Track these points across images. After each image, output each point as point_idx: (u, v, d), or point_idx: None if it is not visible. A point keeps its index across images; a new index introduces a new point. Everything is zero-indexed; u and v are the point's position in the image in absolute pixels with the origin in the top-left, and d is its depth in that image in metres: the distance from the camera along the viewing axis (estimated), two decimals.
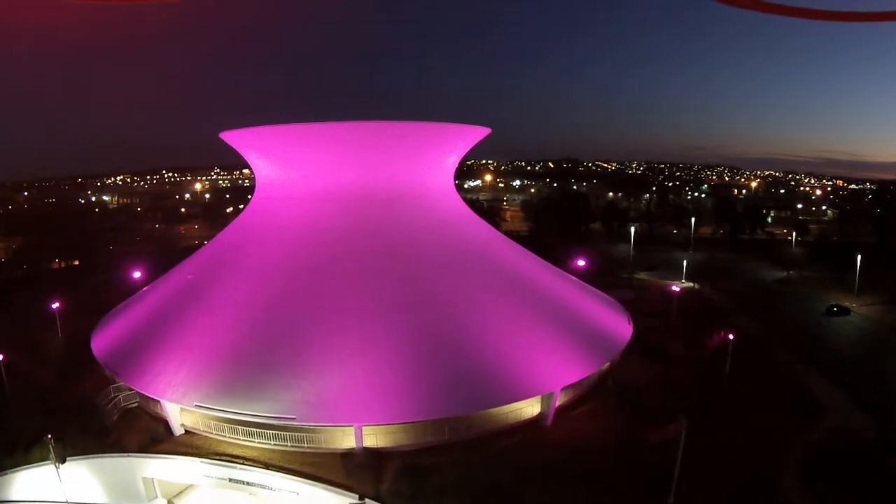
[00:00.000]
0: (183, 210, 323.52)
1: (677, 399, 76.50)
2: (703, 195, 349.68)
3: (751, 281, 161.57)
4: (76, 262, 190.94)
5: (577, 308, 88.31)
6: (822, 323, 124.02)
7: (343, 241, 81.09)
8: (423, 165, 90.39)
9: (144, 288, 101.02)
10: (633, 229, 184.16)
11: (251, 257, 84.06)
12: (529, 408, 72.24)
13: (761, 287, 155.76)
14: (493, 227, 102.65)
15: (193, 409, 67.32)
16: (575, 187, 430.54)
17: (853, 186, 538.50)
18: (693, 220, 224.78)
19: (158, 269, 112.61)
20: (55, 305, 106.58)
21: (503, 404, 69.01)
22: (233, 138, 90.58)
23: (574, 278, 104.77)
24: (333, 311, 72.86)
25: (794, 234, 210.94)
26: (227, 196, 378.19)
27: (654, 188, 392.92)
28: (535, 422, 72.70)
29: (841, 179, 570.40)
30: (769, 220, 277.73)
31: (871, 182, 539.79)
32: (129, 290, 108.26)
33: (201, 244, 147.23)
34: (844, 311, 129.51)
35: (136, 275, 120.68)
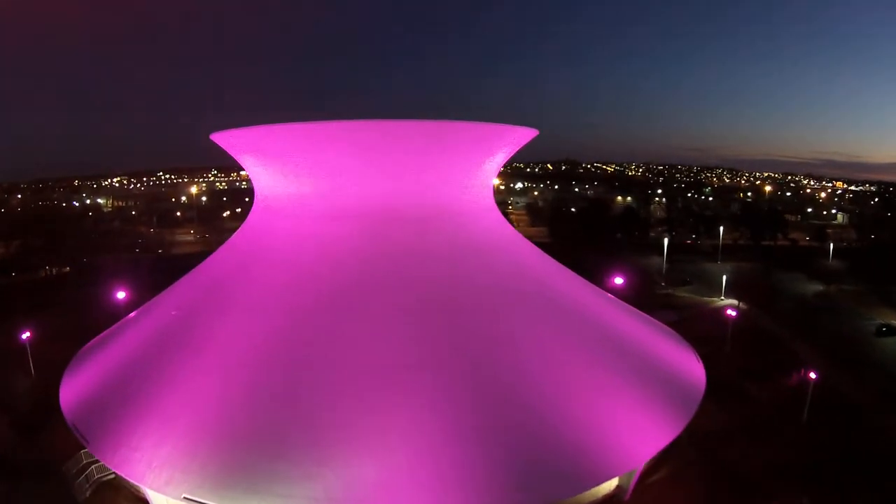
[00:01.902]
0: (179, 214, 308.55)
1: (761, 452, 68.00)
2: (709, 198, 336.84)
3: (792, 297, 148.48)
4: (67, 269, 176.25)
5: (647, 348, 72.02)
6: (878, 346, 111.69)
7: (368, 271, 63.33)
8: (462, 176, 72.83)
9: (130, 315, 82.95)
10: (666, 240, 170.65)
11: (250, 291, 66.23)
12: (606, 484, 56.34)
13: (804, 304, 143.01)
14: (540, 250, 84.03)
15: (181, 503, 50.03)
16: (577, 189, 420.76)
17: (854, 188, 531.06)
18: (721, 228, 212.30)
19: (149, 282, 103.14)
20: (25, 336, 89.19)
21: (583, 490, 52.59)
22: (225, 140, 72.90)
23: (627, 305, 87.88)
24: (362, 367, 55.11)
25: (830, 243, 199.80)
26: (224, 199, 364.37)
27: (659, 192, 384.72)
28: (610, 497, 57.93)
29: (841, 181, 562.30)
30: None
31: (872, 183, 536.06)
32: (116, 311, 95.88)
33: (196, 251, 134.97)
34: (894, 331, 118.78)
35: (121, 295, 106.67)
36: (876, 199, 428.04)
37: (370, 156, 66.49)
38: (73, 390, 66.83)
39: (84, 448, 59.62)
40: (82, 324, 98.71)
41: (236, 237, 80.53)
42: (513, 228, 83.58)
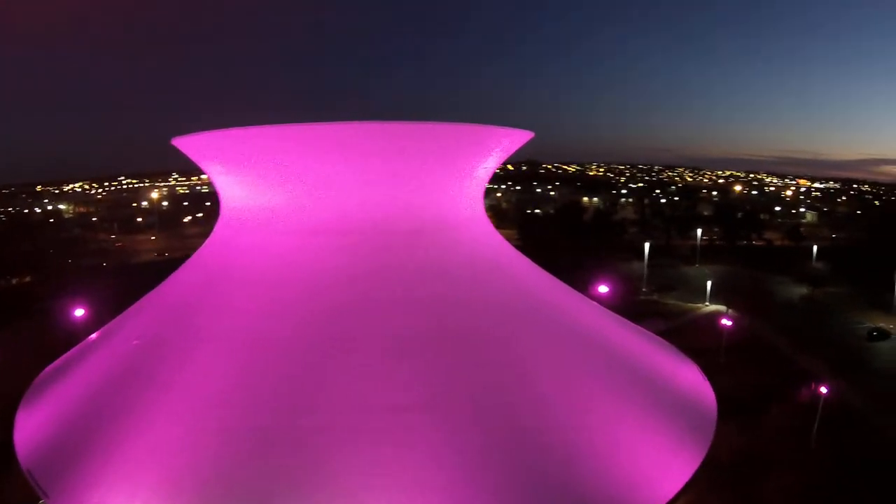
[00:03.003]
0: (140, 220, 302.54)
1: (781, 477, 65.68)
2: (675, 198, 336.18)
3: (779, 302, 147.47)
4: (27, 280, 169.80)
5: (654, 368, 68.41)
6: (873, 352, 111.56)
7: (354, 294, 57.08)
8: (454, 183, 67.26)
9: (91, 337, 76.37)
10: (647, 244, 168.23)
11: (221, 318, 59.07)
12: None
13: (792, 308, 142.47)
14: (533, 263, 78.74)
15: None
16: (539, 190, 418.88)
17: (818, 185, 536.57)
18: (699, 230, 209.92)
19: (112, 294, 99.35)
20: None
21: None
22: (189, 145, 66.97)
23: (622, 318, 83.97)
24: (350, 409, 48.93)
25: (813, 244, 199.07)
26: (185, 203, 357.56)
27: (624, 192, 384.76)
28: None
29: (804, 178, 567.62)
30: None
31: (836, 181, 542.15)
32: (76, 329, 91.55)
33: (158, 258, 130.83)
34: (884, 336, 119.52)
35: (79, 313, 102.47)
36: (843, 197, 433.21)
37: (352, 161, 60.53)
38: (28, 429, 60.29)
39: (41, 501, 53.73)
40: (42, 342, 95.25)
41: (203, 252, 73.65)
42: (504, 240, 78.57)
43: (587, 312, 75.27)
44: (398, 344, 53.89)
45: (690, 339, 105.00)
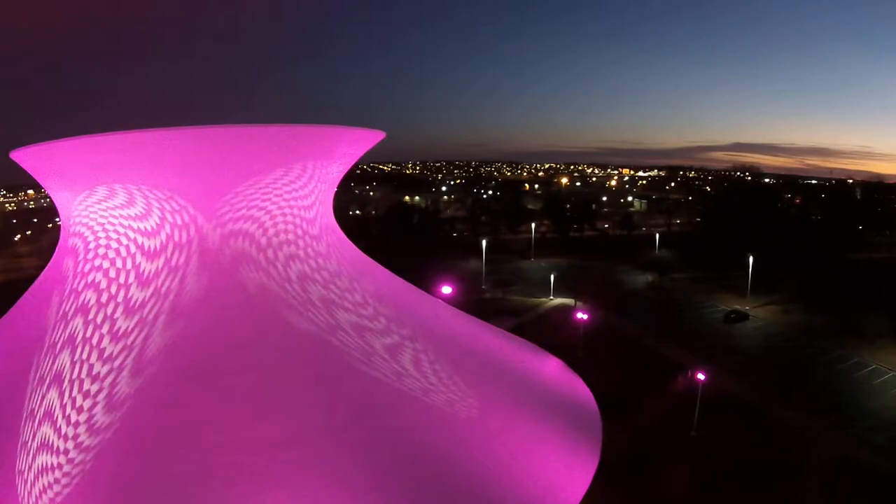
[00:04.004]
0: None
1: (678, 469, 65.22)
2: (498, 192, 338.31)
3: (627, 290, 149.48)
4: None
5: (527, 369, 64.03)
6: (733, 333, 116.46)
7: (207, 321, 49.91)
8: (304, 191, 58.91)
9: None
10: (484, 241, 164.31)
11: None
12: None
13: (642, 297, 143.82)
14: (390, 272, 72.32)
15: None
16: (357, 191, 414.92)
17: (643, 174, 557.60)
18: (533, 224, 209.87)
19: None
20: None
21: None
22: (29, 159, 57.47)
23: (481, 321, 78.69)
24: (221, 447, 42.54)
25: (657, 234, 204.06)
26: (14, 221, 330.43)
27: (444, 189, 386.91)
28: None
29: (627, 168, 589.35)
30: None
31: (661, 168, 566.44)
32: None
33: None
34: (743, 317, 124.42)
35: None
36: (672, 184, 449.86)
37: (190, 173, 52.61)
38: None
39: None
40: None
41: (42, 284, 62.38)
42: (356, 248, 70.64)
43: (451, 318, 71.22)
44: (261, 375, 47.92)
45: (546, 334, 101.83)
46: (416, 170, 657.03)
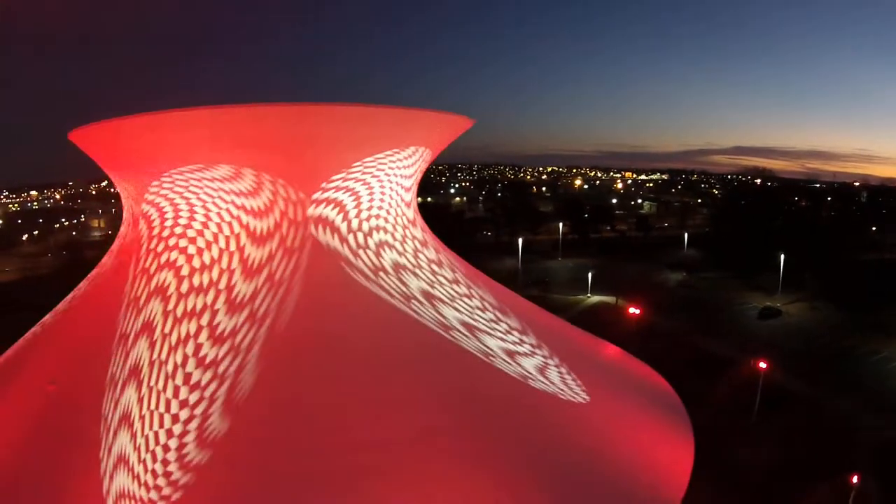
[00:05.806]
0: None
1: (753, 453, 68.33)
2: (507, 193, 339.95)
3: (658, 289, 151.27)
4: None
5: (617, 362, 67.93)
6: (770, 329, 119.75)
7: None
8: (389, 177, 56.54)
9: None
10: (520, 240, 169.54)
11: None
12: None
13: (675, 295, 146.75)
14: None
15: None
16: None
17: (645, 177, 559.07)
18: (560, 224, 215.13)
19: None
20: None
21: None
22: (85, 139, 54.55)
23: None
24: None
25: (685, 234, 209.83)
26: (19, 221, 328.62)
27: (450, 190, 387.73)
28: None
29: (629, 171, 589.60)
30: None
31: (663, 172, 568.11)
32: None
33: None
34: (776, 313, 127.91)
35: None
36: (680, 187, 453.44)
37: (264, 149, 49.64)
38: None
39: None
40: None
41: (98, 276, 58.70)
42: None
43: (542, 314, 74.55)
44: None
45: (595, 330, 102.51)
46: None
